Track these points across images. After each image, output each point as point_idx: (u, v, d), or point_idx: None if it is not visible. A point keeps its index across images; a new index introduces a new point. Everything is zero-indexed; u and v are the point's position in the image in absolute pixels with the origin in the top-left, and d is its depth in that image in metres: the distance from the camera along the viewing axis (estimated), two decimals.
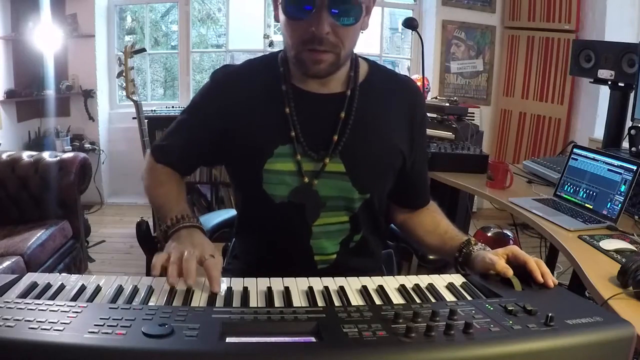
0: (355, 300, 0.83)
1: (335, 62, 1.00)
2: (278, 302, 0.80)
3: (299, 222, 1.09)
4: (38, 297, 0.76)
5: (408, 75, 4.47)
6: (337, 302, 0.82)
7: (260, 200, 1.09)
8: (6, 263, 2.18)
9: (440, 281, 0.91)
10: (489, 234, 3.08)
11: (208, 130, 1.12)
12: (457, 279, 0.91)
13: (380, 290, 0.86)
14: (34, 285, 0.80)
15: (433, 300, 0.83)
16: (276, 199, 1.08)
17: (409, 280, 0.90)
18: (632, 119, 2.10)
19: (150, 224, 2.54)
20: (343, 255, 1.14)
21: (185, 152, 1.17)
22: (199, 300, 0.80)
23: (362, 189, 1.09)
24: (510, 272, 0.88)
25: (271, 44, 4.45)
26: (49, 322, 0.62)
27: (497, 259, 0.92)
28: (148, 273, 0.87)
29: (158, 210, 1.11)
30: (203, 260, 0.88)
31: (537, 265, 0.89)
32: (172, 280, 0.81)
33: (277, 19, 1.04)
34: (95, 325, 0.63)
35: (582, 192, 1.82)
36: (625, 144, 2.18)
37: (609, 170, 1.73)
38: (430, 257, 2.25)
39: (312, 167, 1.07)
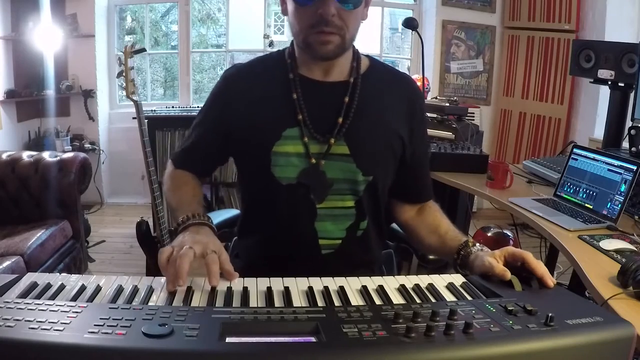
0: (355, 300, 0.83)
1: (341, 44, 1.06)
2: (278, 302, 0.80)
3: (305, 203, 1.13)
4: (38, 297, 0.76)
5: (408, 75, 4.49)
6: (337, 302, 0.82)
7: (268, 183, 1.12)
8: (6, 263, 2.18)
9: (440, 281, 0.91)
10: (489, 234, 3.08)
11: (220, 124, 1.18)
12: (457, 279, 0.91)
13: (380, 290, 0.86)
14: (34, 285, 0.80)
15: (433, 300, 0.83)
16: (283, 181, 1.12)
17: (409, 280, 0.90)
18: (632, 119, 2.10)
19: (150, 224, 2.54)
20: (348, 242, 1.16)
21: (200, 154, 1.23)
22: (199, 300, 0.80)
23: (365, 171, 1.13)
24: (508, 275, 0.88)
25: (271, 44, 4.45)
26: (49, 322, 0.62)
27: (495, 262, 0.92)
28: (148, 273, 0.88)
29: (172, 212, 1.15)
30: (204, 255, 0.88)
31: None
32: (170, 287, 0.81)
33: (284, 12, 1.11)
34: (95, 325, 0.63)
35: (582, 192, 1.82)
36: (625, 144, 2.18)
37: (609, 170, 1.73)
38: (430, 257, 2.25)
39: (319, 149, 1.11)
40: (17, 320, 0.63)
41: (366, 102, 1.14)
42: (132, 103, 2.39)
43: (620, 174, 1.68)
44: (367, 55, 1.22)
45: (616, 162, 1.71)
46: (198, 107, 4.15)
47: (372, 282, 0.89)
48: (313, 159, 1.11)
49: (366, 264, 1.22)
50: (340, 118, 1.11)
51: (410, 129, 1.19)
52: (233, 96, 1.16)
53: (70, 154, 2.89)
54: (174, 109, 3.95)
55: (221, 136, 1.18)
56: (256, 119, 1.13)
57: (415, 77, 3.50)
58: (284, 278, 0.88)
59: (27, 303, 0.68)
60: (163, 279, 0.84)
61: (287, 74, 1.13)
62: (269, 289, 0.83)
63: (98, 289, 0.80)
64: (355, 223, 1.17)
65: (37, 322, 0.62)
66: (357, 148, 1.12)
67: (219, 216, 1.62)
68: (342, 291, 0.85)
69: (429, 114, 2.80)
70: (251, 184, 1.23)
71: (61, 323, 0.63)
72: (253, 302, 0.80)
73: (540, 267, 0.87)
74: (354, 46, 1.16)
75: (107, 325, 0.63)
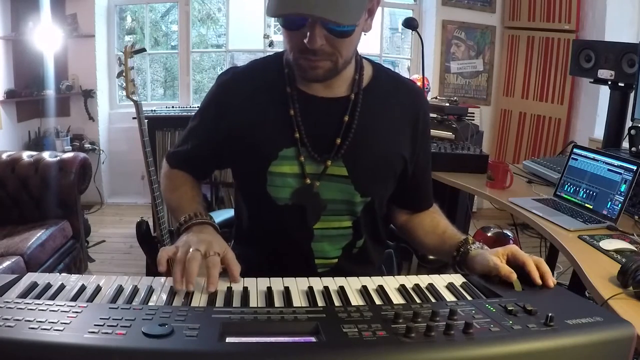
0: (355, 300, 0.83)
1: (332, 68, 1.00)
2: (278, 302, 0.80)
3: (300, 224, 1.09)
4: (38, 297, 0.76)
5: (408, 75, 4.49)
6: (337, 302, 0.81)
7: (264, 202, 1.09)
8: (6, 263, 2.18)
9: (440, 281, 0.91)
10: (489, 234, 3.08)
11: (215, 133, 1.13)
12: (457, 279, 0.91)
13: (380, 290, 0.86)
14: (34, 285, 0.80)
15: (433, 300, 0.83)
16: (279, 201, 1.09)
17: (409, 280, 0.90)
18: (632, 119, 2.10)
19: (150, 224, 2.54)
20: (344, 260, 1.14)
21: (196, 157, 1.19)
22: (199, 300, 0.80)
23: (363, 192, 1.10)
24: (514, 277, 0.87)
25: (271, 44, 4.45)
26: (49, 322, 0.62)
27: (499, 262, 0.91)
28: (148, 273, 0.87)
29: (172, 213, 1.13)
30: (207, 256, 0.87)
31: (537, 265, 0.89)
32: (177, 287, 0.81)
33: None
34: (95, 325, 0.63)
35: (582, 192, 1.82)
36: (625, 144, 2.18)
37: (609, 170, 1.73)
38: (430, 257, 2.25)
39: (315, 170, 1.07)
40: (17, 320, 0.63)
41: (367, 120, 1.08)
42: (132, 103, 2.39)
43: (620, 174, 1.68)
44: (370, 61, 1.16)
45: (616, 162, 1.71)
46: (198, 107, 4.14)
47: (372, 282, 0.89)
48: (308, 179, 1.07)
49: (364, 275, 1.20)
50: (338, 139, 1.06)
51: (413, 141, 1.15)
52: (228, 106, 1.11)
53: (70, 154, 2.89)
54: (174, 109, 3.95)
55: (217, 145, 1.14)
56: (252, 135, 1.08)
57: (415, 77, 3.50)
58: (284, 278, 0.88)
59: (27, 303, 0.68)
60: (163, 279, 0.84)
61: (285, 87, 1.08)
62: (269, 289, 0.83)
63: (98, 289, 0.80)
64: (352, 242, 1.15)
65: (37, 322, 0.62)
66: (355, 170, 1.07)
67: (219, 216, 1.62)
68: (342, 291, 0.85)
69: None
70: (246, 201, 1.20)
71: (61, 323, 0.63)
72: (253, 302, 0.80)
73: (537, 277, 0.87)
74: (357, 53, 1.10)
75: (107, 325, 0.63)
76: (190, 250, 0.86)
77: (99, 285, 0.81)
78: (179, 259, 0.85)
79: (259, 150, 1.08)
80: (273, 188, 1.08)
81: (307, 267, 1.11)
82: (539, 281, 0.86)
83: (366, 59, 1.16)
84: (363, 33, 1.04)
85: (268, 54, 1.24)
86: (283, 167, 1.07)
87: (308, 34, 0.92)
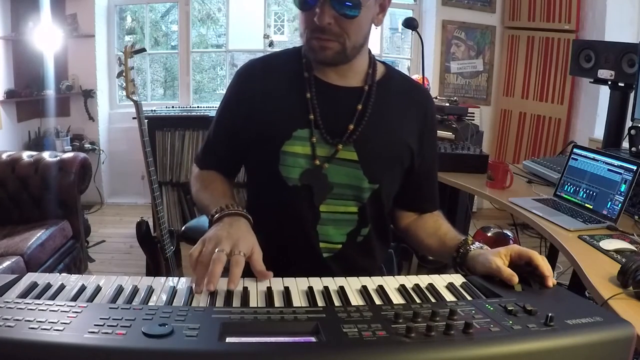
0: (355, 300, 0.83)
1: (341, 51, 1.05)
2: (278, 302, 0.80)
3: (307, 205, 1.12)
4: (38, 297, 0.76)
5: (408, 75, 4.48)
6: (337, 302, 0.81)
7: (274, 182, 1.12)
8: (6, 263, 2.18)
9: (440, 281, 0.90)
10: (489, 234, 3.08)
11: (236, 119, 1.17)
12: (457, 279, 0.91)
13: (380, 290, 0.86)
14: (34, 285, 0.80)
15: (433, 300, 0.83)
16: (289, 182, 1.11)
17: (409, 280, 0.90)
18: (632, 119, 2.10)
19: (150, 224, 2.54)
20: (348, 247, 1.16)
21: (220, 153, 1.23)
22: (199, 300, 0.79)
23: (372, 179, 1.13)
24: (515, 280, 0.85)
25: (271, 44, 4.45)
26: (49, 322, 0.62)
27: (502, 264, 0.90)
28: (148, 273, 0.87)
29: (205, 210, 1.13)
30: (232, 255, 0.86)
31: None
32: (198, 290, 0.80)
33: None
34: (95, 325, 0.63)
35: (582, 192, 1.82)
36: (625, 144, 2.19)
37: (609, 170, 1.73)
38: (430, 257, 2.25)
39: (326, 153, 1.11)
40: (17, 320, 0.63)
41: (379, 110, 1.13)
42: (132, 103, 2.39)
43: (620, 174, 1.68)
44: (383, 62, 1.22)
45: (616, 162, 1.71)
46: (198, 107, 4.16)
47: (372, 282, 0.89)
48: (317, 161, 1.10)
49: (367, 269, 1.20)
50: (351, 125, 1.10)
51: (420, 140, 1.18)
52: (246, 92, 1.16)
53: (70, 154, 2.89)
54: (174, 109, 3.95)
55: (238, 135, 1.17)
56: (268, 115, 1.12)
57: (415, 77, 3.50)
58: (284, 278, 0.88)
59: (27, 303, 0.68)
60: (163, 279, 0.84)
61: (302, 72, 1.13)
62: (269, 289, 0.83)
63: (98, 289, 0.80)
64: (357, 229, 1.16)
65: (37, 322, 0.62)
66: (365, 155, 1.11)
67: None
68: (342, 291, 0.85)
69: None
70: (257, 182, 1.22)
71: (61, 323, 0.63)
72: (253, 302, 0.80)
73: (546, 268, 0.87)
74: (370, 52, 1.17)
75: (107, 325, 0.63)
76: (216, 250, 0.86)
77: (99, 285, 0.81)
78: (202, 260, 0.85)
79: (274, 129, 1.12)
80: (284, 167, 1.11)
81: (312, 251, 1.14)
82: (549, 273, 0.86)
83: (378, 60, 1.21)
84: (374, 26, 1.10)
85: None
86: (295, 147, 1.10)
87: (317, 11, 1.00)
